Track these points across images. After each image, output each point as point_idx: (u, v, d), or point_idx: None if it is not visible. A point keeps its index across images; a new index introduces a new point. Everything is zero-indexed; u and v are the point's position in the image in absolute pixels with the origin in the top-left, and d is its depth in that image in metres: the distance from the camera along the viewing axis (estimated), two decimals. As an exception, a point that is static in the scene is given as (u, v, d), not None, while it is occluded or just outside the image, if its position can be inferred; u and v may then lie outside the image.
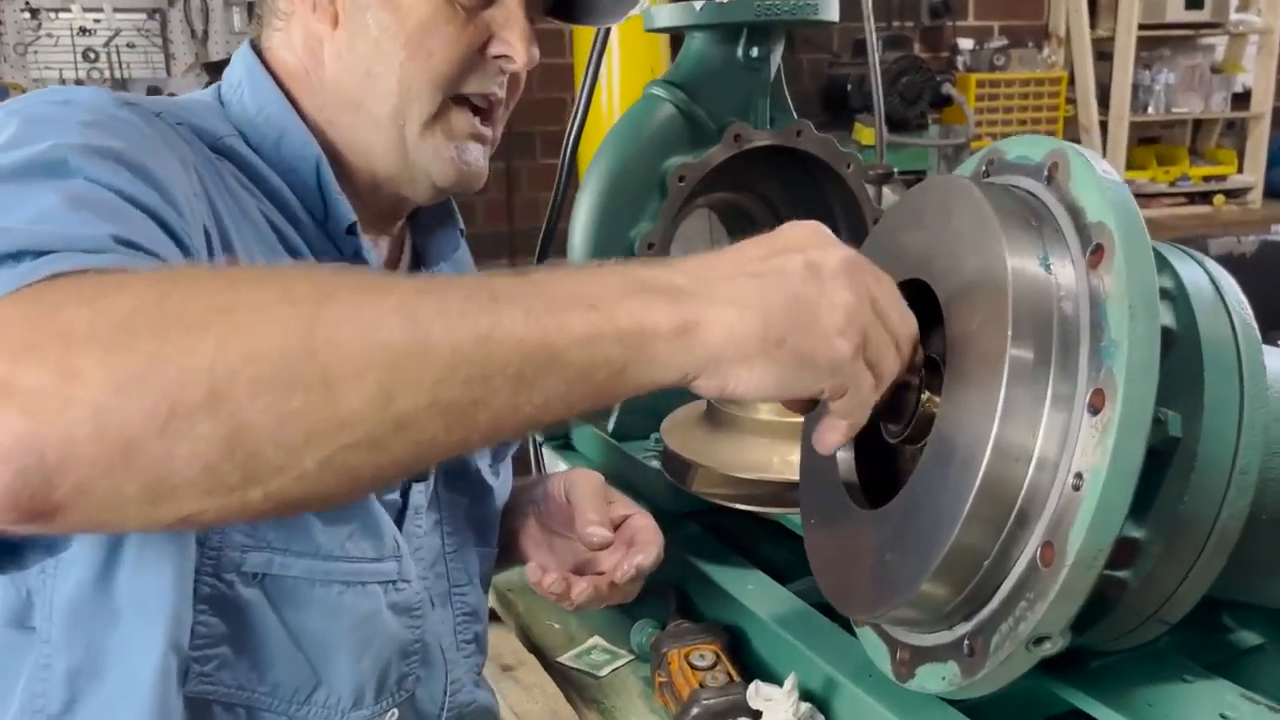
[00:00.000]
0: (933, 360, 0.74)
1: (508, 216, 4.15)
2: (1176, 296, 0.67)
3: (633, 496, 1.24)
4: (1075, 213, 0.66)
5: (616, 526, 1.02)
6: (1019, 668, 0.64)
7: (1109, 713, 0.71)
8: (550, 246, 1.41)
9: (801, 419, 0.92)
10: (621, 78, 3.14)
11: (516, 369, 0.54)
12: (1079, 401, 0.61)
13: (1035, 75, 4.40)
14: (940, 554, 0.64)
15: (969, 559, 0.64)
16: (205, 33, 3.32)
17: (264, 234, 0.85)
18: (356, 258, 0.93)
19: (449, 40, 0.89)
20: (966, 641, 0.66)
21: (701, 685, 0.95)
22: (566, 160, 1.38)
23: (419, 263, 1.04)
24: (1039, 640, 0.62)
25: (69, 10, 3.21)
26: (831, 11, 1.29)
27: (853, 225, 1.38)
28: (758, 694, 0.90)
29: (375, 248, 0.98)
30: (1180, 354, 0.65)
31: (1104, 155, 4.32)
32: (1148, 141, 4.63)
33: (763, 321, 0.60)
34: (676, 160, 1.27)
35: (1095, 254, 0.63)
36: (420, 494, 0.96)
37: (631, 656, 1.08)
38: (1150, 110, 4.47)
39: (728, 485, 1.06)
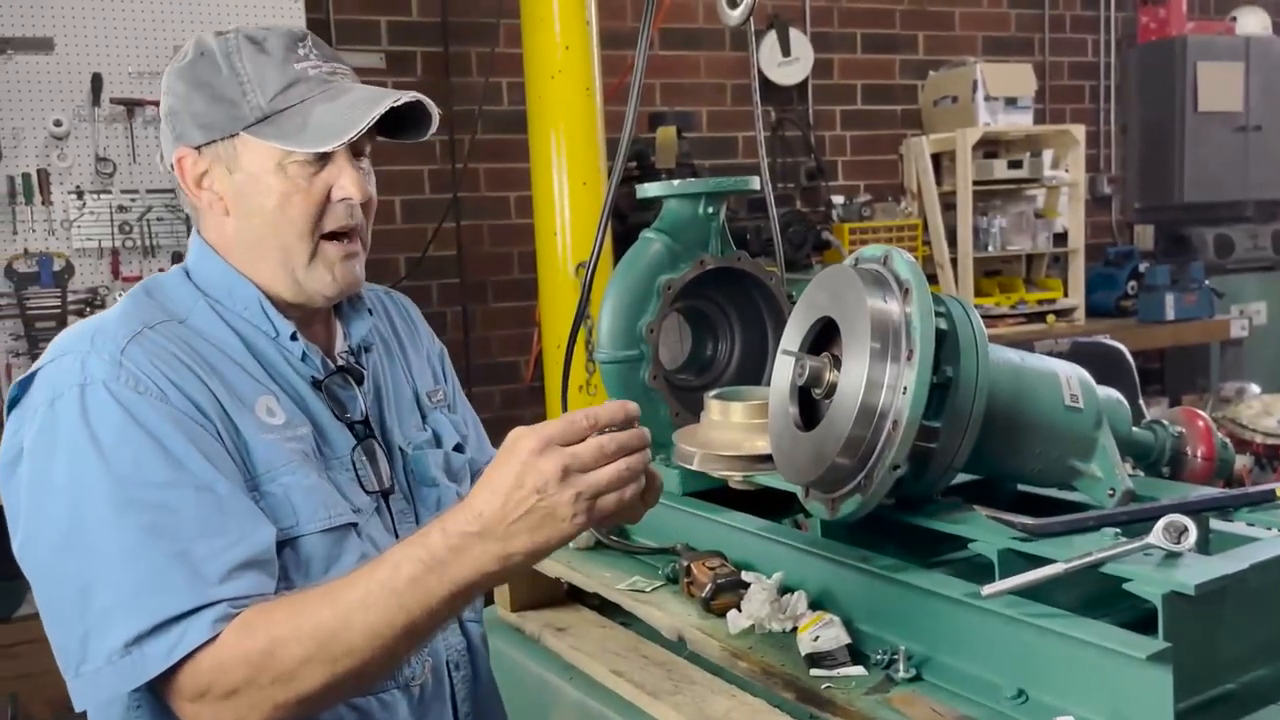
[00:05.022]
0: (836, 357, 1.46)
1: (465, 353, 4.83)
2: (946, 314, 1.41)
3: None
4: (896, 277, 1.40)
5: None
6: (886, 485, 1.34)
7: (930, 522, 1.41)
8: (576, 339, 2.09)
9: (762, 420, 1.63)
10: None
11: (412, 624, 1.10)
12: (903, 360, 1.34)
13: (896, 223, 5.36)
14: (843, 439, 1.34)
15: (858, 441, 1.35)
16: (218, 206, 4.01)
17: (248, 362, 1.31)
18: (304, 358, 1.36)
19: (301, 205, 1.30)
20: (861, 481, 1.36)
21: (715, 573, 1.62)
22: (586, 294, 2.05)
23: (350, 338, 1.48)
24: (895, 467, 1.32)
25: (109, 192, 3.88)
26: (755, 184, 2.07)
27: (774, 314, 2.12)
28: (751, 578, 1.58)
29: (313, 341, 1.39)
30: (950, 341, 1.38)
31: (955, 286, 5.24)
32: (991, 274, 5.58)
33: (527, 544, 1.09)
34: (665, 277, 2.00)
35: (905, 295, 1.37)
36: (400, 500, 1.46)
37: (661, 583, 1.74)
38: (990, 249, 5.42)
39: (720, 462, 1.75)
